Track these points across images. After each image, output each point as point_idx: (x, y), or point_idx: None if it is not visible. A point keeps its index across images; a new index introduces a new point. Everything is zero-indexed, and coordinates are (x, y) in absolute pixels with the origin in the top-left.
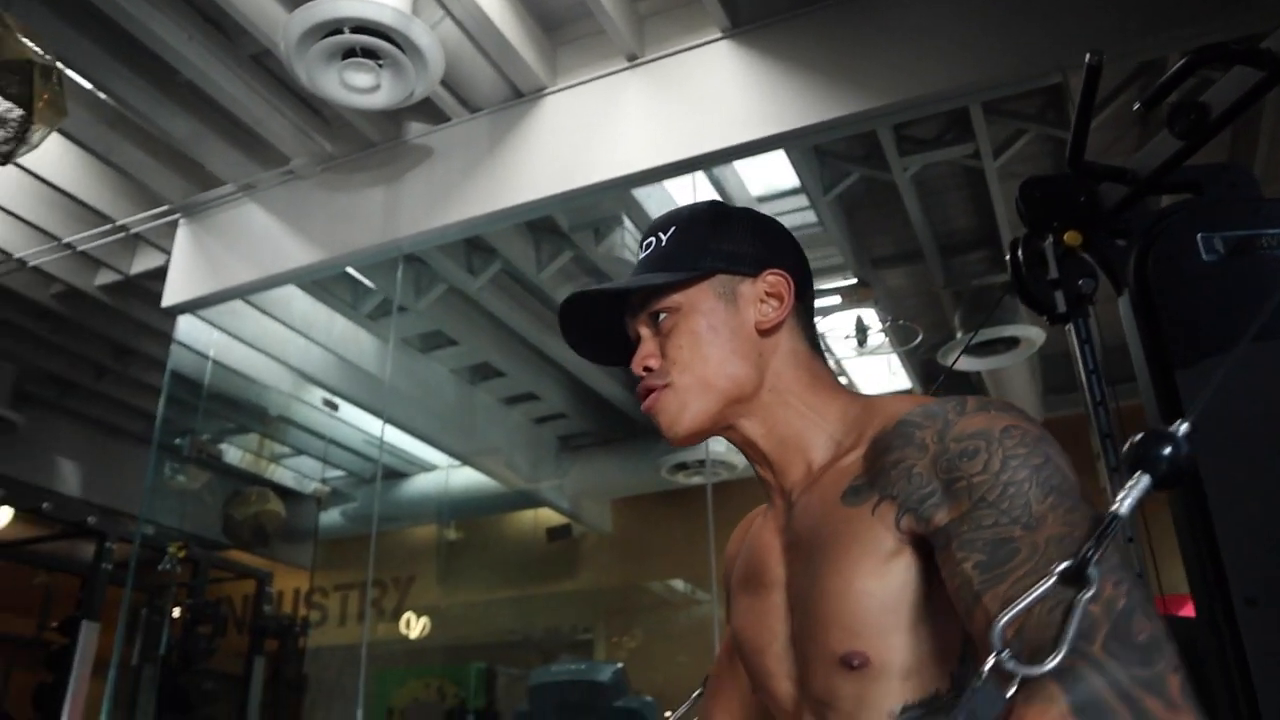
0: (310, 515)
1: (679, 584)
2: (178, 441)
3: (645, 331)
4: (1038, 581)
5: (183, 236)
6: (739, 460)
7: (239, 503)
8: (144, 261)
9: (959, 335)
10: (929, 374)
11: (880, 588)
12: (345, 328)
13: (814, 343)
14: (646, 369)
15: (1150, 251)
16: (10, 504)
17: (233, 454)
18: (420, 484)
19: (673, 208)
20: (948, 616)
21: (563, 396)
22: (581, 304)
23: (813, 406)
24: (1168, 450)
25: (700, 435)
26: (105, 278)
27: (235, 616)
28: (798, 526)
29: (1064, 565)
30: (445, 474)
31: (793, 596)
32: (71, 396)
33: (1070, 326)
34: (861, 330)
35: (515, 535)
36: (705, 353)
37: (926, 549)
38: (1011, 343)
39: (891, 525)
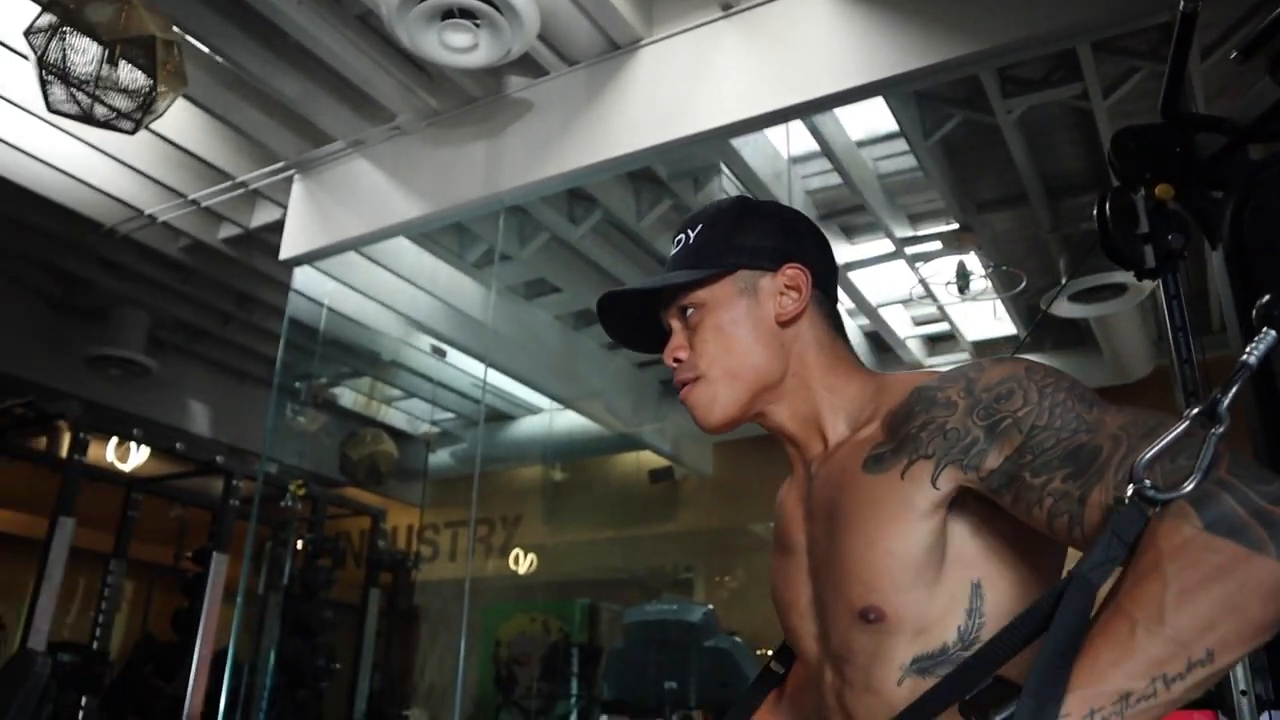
0: (421, 455)
1: (764, 528)
2: (297, 385)
3: (676, 324)
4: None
5: (297, 192)
6: None
7: (354, 443)
8: (263, 215)
9: (1064, 281)
10: (1034, 320)
11: (903, 547)
12: (452, 276)
13: (836, 327)
14: (677, 360)
15: (1248, 203)
16: (147, 443)
17: (348, 397)
18: (526, 426)
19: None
20: (961, 570)
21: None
22: (617, 299)
23: (831, 388)
24: None
25: (732, 424)
26: (227, 231)
27: (353, 551)
28: (817, 496)
29: (1196, 410)
30: (549, 417)
31: (814, 560)
32: (200, 343)
33: (1159, 282)
34: (963, 276)
35: (618, 477)
36: (730, 346)
37: (963, 501)
38: (1119, 289)
39: (926, 484)
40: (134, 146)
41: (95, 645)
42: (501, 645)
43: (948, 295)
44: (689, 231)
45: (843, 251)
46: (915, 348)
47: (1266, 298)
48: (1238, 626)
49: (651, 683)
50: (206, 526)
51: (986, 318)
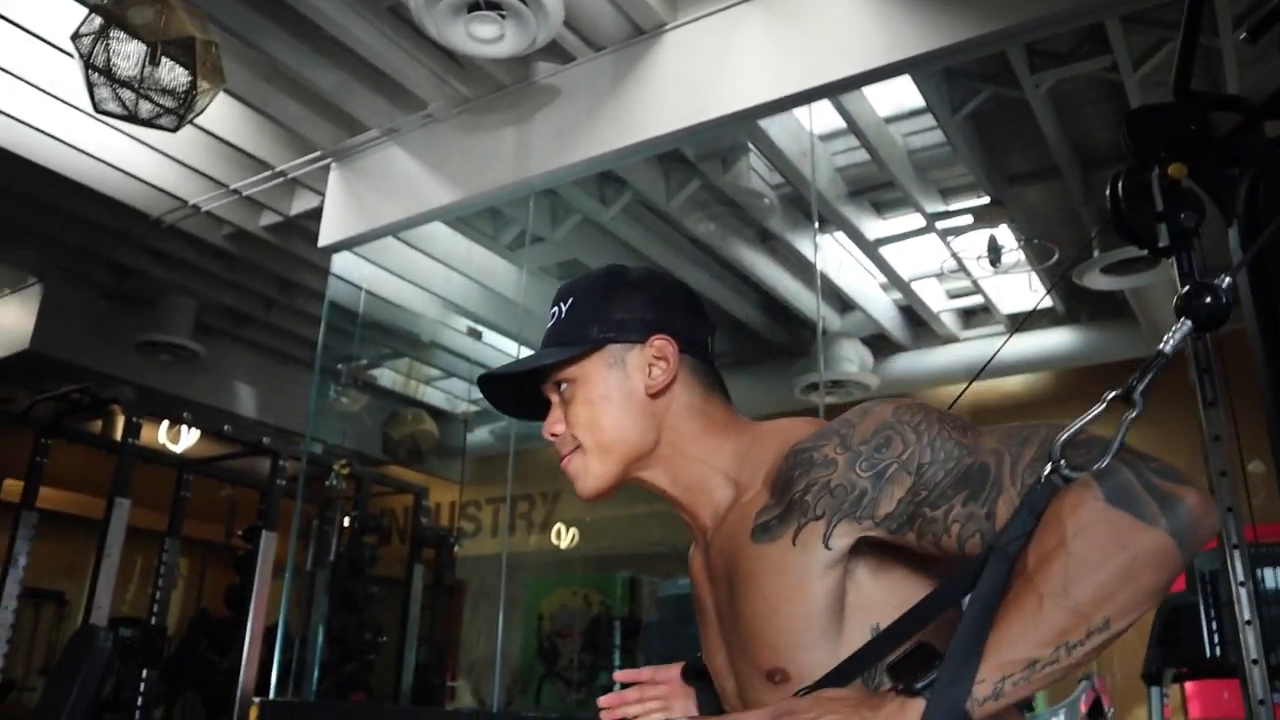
0: (461, 434)
1: None
2: (339, 367)
3: (554, 398)
4: (1029, 466)
5: (334, 180)
6: (872, 380)
7: (396, 423)
8: (302, 203)
9: (1096, 254)
10: (1069, 292)
11: (803, 610)
12: (486, 258)
13: (710, 385)
14: (553, 434)
15: (1263, 180)
16: (196, 426)
17: (388, 378)
18: None
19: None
20: (862, 616)
21: None
22: (496, 380)
23: (707, 451)
24: (1209, 299)
25: (607, 493)
26: (268, 219)
27: (397, 527)
28: (715, 563)
29: (1114, 393)
30: None
31: (722, 624)
32: (245, 327)
33: (1172, 260)
34: (994, 250)
35: None
36: (600, 421)
37: (860, 549)
38: (1153, 260)
39: (819, 547)
40: (178, 140)
41: (153, 620)
42: (544, 618)
43: (980, 269)
44: (561, 306)
45: (873, 227)
46: (950, 321)
47: (1185, 289)
48: (1131, 594)
49: (687, 654)
50: (256, 505)
51: (1021, 290)
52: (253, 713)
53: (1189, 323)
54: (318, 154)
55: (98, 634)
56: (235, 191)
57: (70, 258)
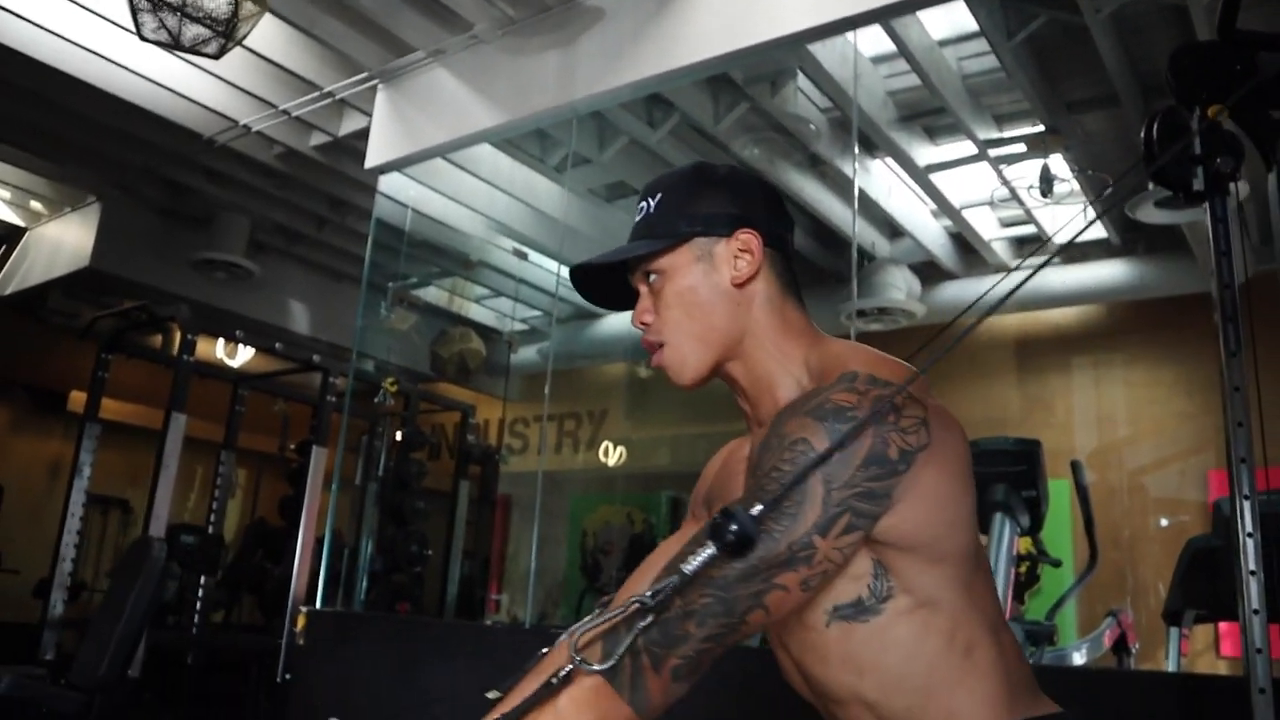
0: (504, 352)
1: None
2: (390, 285)
3: (642, 289)
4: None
5: (381, 101)
6: (918, 308)
7: (444, 341)
8: (350, 124)
9: (1151, 186)
10: (1125, 224)
11: None
12: (532, 179)
13: (790, 286)
14: (644, 324)
15: None
16: (249, 343)
17: (436, 297)
18: (612, 323)
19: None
20: (860, 552)
21: None
22: (587, 270)
23: (783, 350)
24: (734, 527)
25: (702, 381)
26: (318, 139)
27: (446, 444)
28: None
29: (641, 597)
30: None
31: None
32: (298, 245)
33: (1206, 205)
34: (1046, 180)
35: None
36: (690, 311)
37: None
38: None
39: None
40: (228, 62)
41: (210, 529)
42: (588, 534)
43: (1034, 198)
44: (649, 200)
45: (924, 153)
46: (1001, 250)
47: (718, 514)
48: None
49: None
50: (307, 421)
51: (1076, 221)
52: (301, 620)
53: (712, 547)
54: (364, 75)
55: (152, 544)
56: (284, 112)
57: (127, 176)
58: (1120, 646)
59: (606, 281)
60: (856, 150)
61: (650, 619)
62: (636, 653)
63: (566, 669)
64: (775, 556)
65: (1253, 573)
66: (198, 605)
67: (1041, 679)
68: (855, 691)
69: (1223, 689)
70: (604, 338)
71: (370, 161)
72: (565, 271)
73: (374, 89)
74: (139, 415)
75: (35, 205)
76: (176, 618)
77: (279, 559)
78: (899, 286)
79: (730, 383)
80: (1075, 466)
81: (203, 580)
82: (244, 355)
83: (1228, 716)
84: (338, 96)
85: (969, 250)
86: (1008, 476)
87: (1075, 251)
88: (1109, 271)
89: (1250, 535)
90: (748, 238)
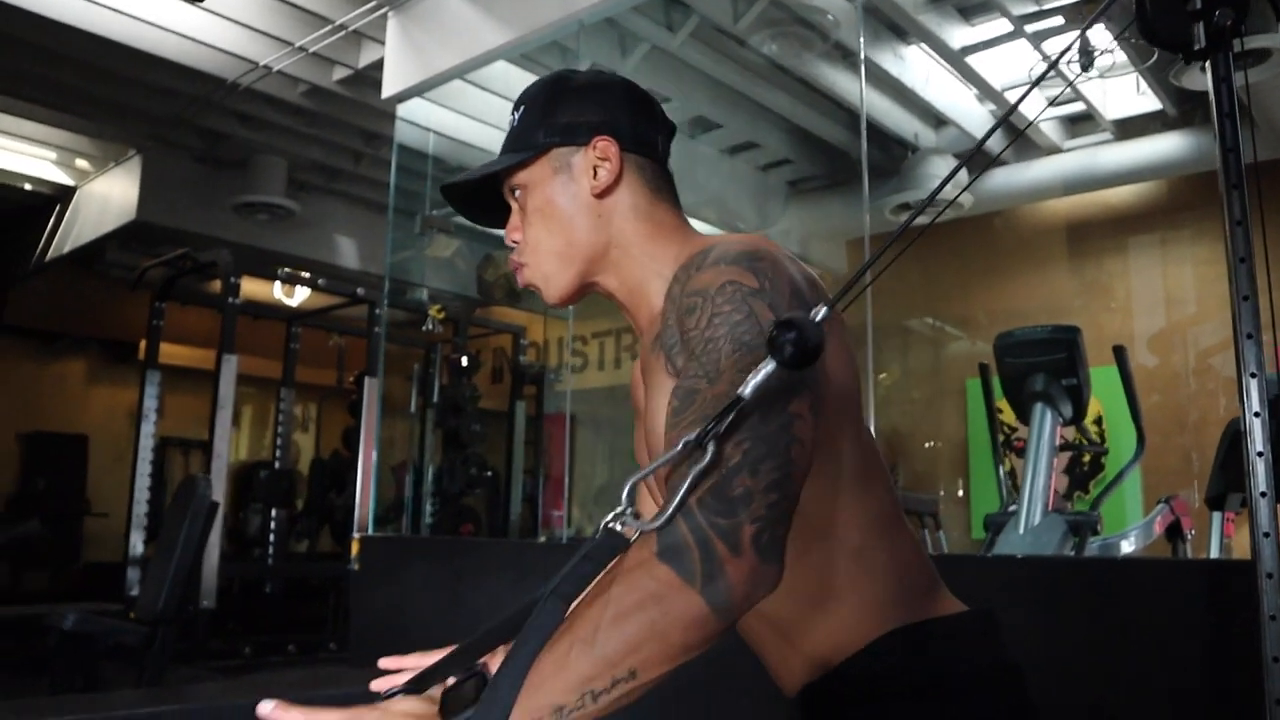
0: None
1: (919, 322)
2: (434, 213)
3: (514, 205)
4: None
5: (393, 29)
6: (965, 198)
7: (489, 266)
8: (369, 55)
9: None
10: (1181, 94)
11: None
12: None
13: (661, 191)
14: (513, 242)
15: None
16: (292, 281)
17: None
18: None
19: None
20: None
21: (785, 142)
22: (459, 189)
23: (651, 255)
24: (792, 335)
25: (571, 297)
26: (340, 74)
27: (501, 365)
28: (642, 366)
29: (690, 436)
30: None
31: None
32: (337, 181)
33: (1207, 64)
34: (1085, 53)
35: None
36: (551, 226)
37: None
38: (1262, 55)
39: (666, 370)
40: (240, 4)
41: (278, 464)
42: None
43: (1074, 74)
44: (515, 114)
45: (959, 35)
46: (1051, 131)
47: (774, 329)
48: (659, 650)
49: None
50: (362, 353)
51: (1128, 94)
52: (355, 546)
53: (773, 362)
54: (375, 3)
55: (198, 483)
56: (302, 49)
57: (162, 128)
58: (1174, 533)
59: (489, 200)
60: (861, 28)
61: (704, 466)
62: (700, 530)
63: (607, 520)
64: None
65: (1260, 454)
66: (270, 537)
67: (1059, 570)
68: None
69: (1231, 573)
70: None
71: (387, 90)
72: None
73: (385, 17)
74: (203, 359)
75: (81, 164)
76: (261, 550)
77: (342, 489)
78: (943, 176)
79: (607, 296)
80: (1117, 352)
81: (274, 513)
82: (302, 294)
83: (1241, 602)
84: (350, 28)
85: (1017, 134)
86: (1047, 365)
87: (1131, 127)
88: (1167, 145)
89: (1257, 415)
90: (605, 145)
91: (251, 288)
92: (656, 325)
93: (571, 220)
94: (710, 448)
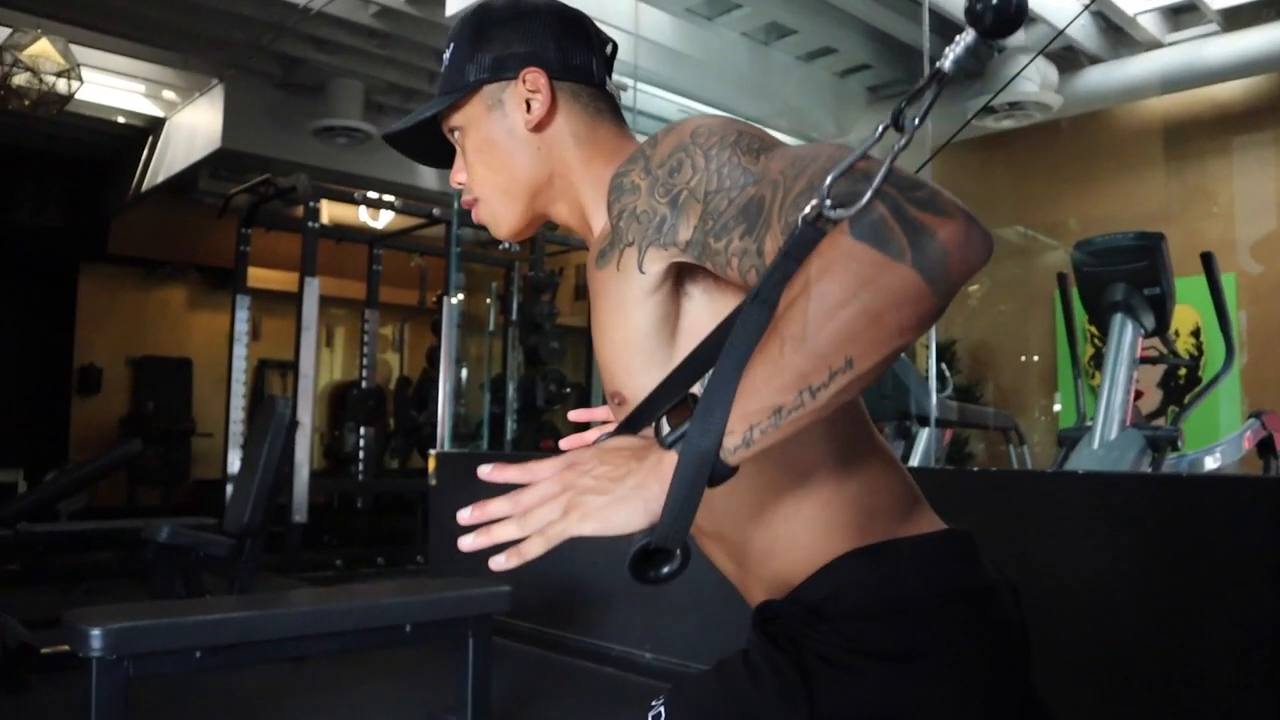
0: None
1: (1011, 231)
2: None
3: (458, 147)
4: (794, 201)
5: None
6: (1054, 100)
7: None
8: None
9: None
10: None
11: (627, 336)
12: (640, 8)
13: (601, 114)
14: (459, 182)
15: None
16: (366, 204)
17: None
18: None
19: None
20: (692, 341)
21: (864, 46)
22: (400, 137)
23: (594, 176)
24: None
25: (522, 231)
26: None
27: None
28: (590, 289)
29: (884, 125)
30: None
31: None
32: (413, 102)
33: None
34: None
35: None
36: (491, 165)
37: (692, 273)
38: None
39: (635, 272)
40: None
41: (364, 383)
42: None
43: None
44: (446, 53)
45: None
46: (1150, 24)
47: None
48: (875, 334)
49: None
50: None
51: None
52: (431, 463)
53: (973, 32)
54: None
55: (276, 403)
56: None
57: (241, 56)
58: (1266, 449)
59: (437, 144)
60: None
61: (905, 142)
62: (897, 204)
63: (809, 207)
64: (827, 151)
65: None
66: (360, 454)
67: (1127, 486)
68: (697, 524)
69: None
70: None
71: (451, 8)
72: (682, 100)
73: None
74: (291, 282)
75: (168, 95)
76: (354, 466)
77: (423, 406)
78: (1031, 78)
79: (562, 224)
80: (1205, 259)
81: (362, 431)
82: (386, 217)
83: None
84: None
85: (1112, 28)
86: (1127, 274)
87: (1239, 17)
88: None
89: None
90: (534, 77)
91: (338, 211)
92: (604, 241)
93: (511, 156)
94: (912, 126)
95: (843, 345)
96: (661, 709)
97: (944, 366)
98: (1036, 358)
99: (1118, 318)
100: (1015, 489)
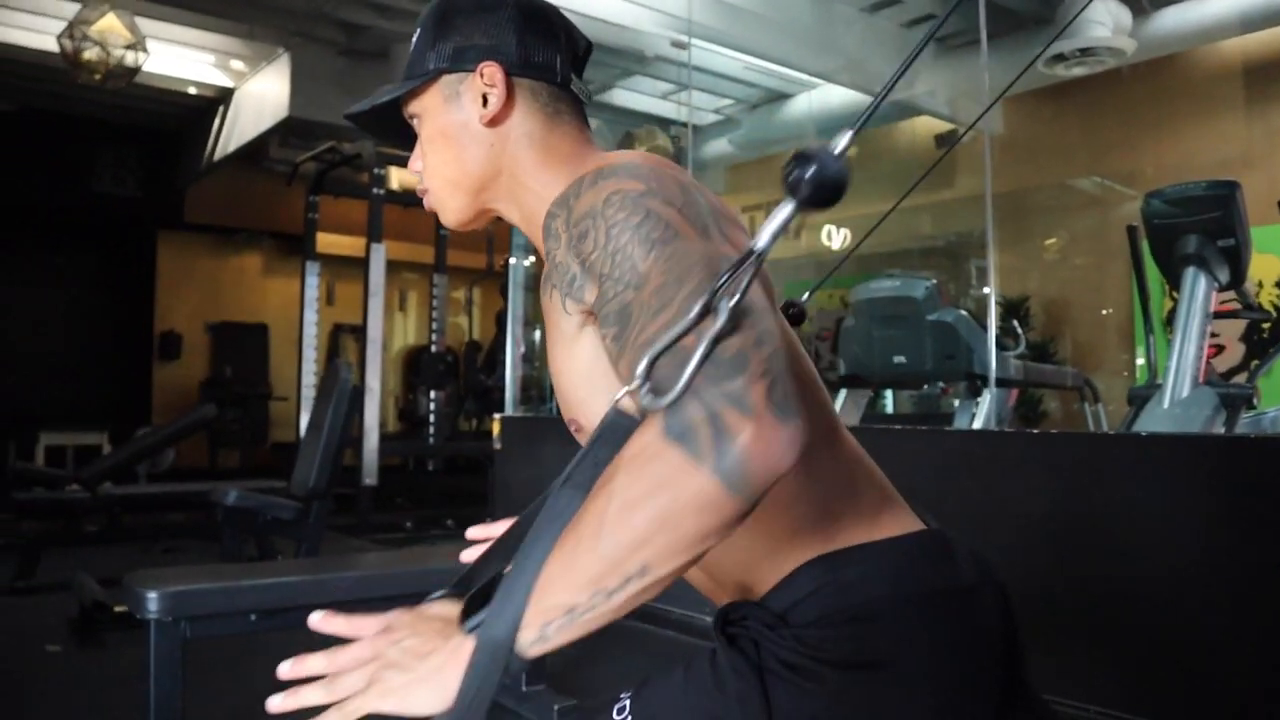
0: (703, 145)
1: (1088, 182)
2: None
3: (418, 134)
4: (646, 341)
5: None
6: (1127, 44)
7: (629, 142)
8: None
9: None
10: None
11: (573, 366)
12: None
13: (559, 114)
14: (415, 171)
15: None
16: None
17: (621, 97)
18: (801, 105)
19: None
20: None
21: None
22: (364, 114)
23: (544, 184)
24: (811, 169)
25: (469, 224)
26: None
27: None
28: (542, 307)
29: (699, 305)
30: (808, 97)
31: None
32: None
33: None
34: None
35: (900, 146)
36: (443, 156)
37: None
38: None
39: (563, 311)
40: None
41: (433, 347)
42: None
43: None
44: (413, 38)
45: None
46: None
47: (791, 166)
48: (671, 541)
49: (880, 357)
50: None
51: None
52: (495, 426)
53: (791, 204)
54: None
55: (340, 368)
56: None
57: (305, 24)
58: None
59: (404, 125)
60: None
61: (718, 330)
62: (708, 404)
63: (619, 394)
64: (708, 250)
65: None
66: (431, 418)
67: (1198, 447)
68: None
69: None
70: (797, 119)
71: None
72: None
73: None
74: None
75: (236, 65)
76: (424, 429)
77: (491, 370)
78: (1103, 22)
79: (510, 222)
80: None
81: (432, 395)
82: None
83: None
84: None
85: None
86: (1200, 225)
87: None
88: None
89: None
90: (491, 71)
91: (408, 177)
92: (545, 269)
93: (464, 149)
94: (724, 307)
95: (637, 550)
96: (627, 702)
97: (1016, 323)
98: (1113, 312)
99: (1190, 271)
100: (1075, 451)
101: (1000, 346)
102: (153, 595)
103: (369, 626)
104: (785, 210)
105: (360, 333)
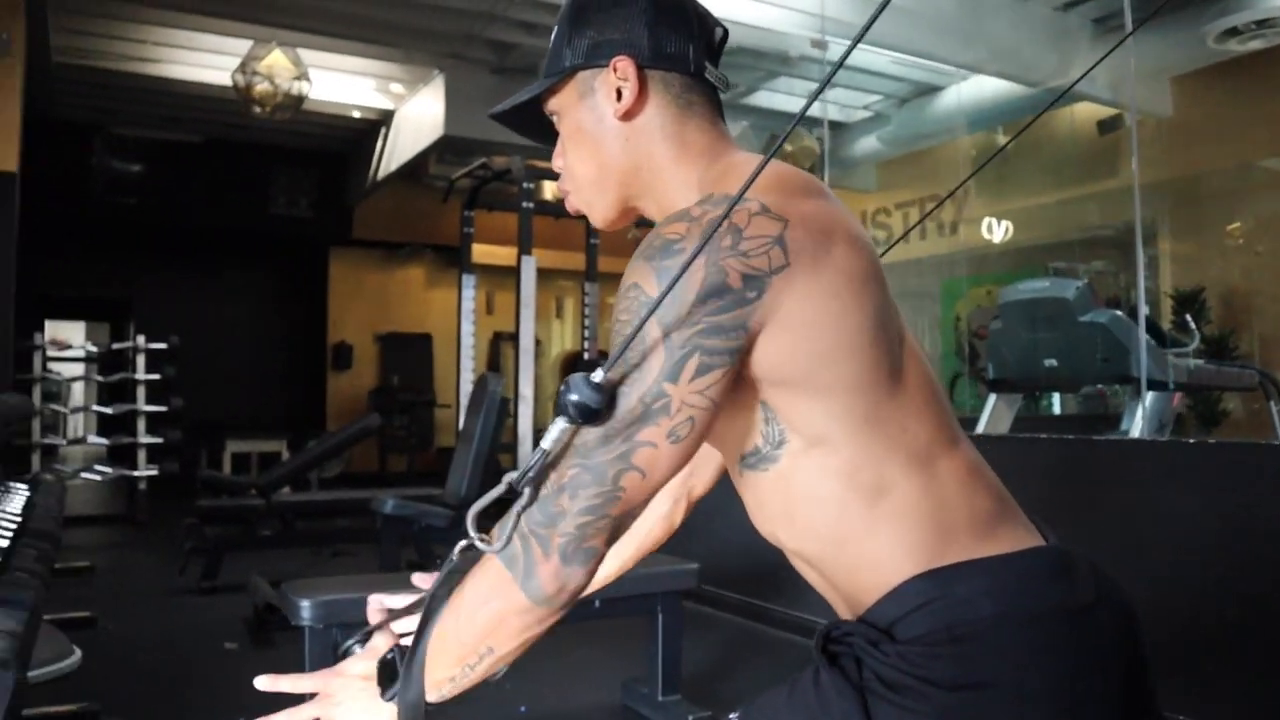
0: (852, 143)
1: (1276, 162)
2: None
3: (558, 131)
4: (556, 488)
5: None
6: None
7: (773, 144)
8: None
9: None
10: None
11: None
12: None
13: (692, 106)
14: (558, 169)
15: None
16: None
17: (765, 99)
18: (951, 97)
19: None
20: (747, 393)
21: None
22: (507, 113)
23: (680, 176)
24: (573, 397)
25: (618, 222)
26: None
27: None
28: None
29: (511, 477)
30: (959, 87)
31: None
32: None
33: None
34: None
35: (1060, 134)
36: (582, 154)
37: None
38: None
39: None
40: None
41: (585, 354)
42: (960, 318)
43: None
44: (552, 35)
45: None
46: None
47: (561, 388)
48: (505, 631)
49: (1031, 361)
50: None
51: None
52: None
53: (563, 421)
54: None
55: (489, 379)
56: None
57: (457, 46)
58: None
59: (548, 121)
60: None
61: (528, 498)
62: (525, 537)
63: (461, 545)
64: (630, 413)
65: None
66: None
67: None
68: (781, 541)
69: None
70: (949, 111)
71: None
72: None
73: None
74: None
75: (395, 88)
76: None
77: None
78: None
79: (651, 220)
80: None
81: None
82: None
83: None
84: None
85: None
86: None
87: None
88: None
89: None
90: (624, 65)
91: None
92: None
93: (600, 145)
94: (526, 491)
95: (483, 638)
96: None
97: (1189, 318)
98: None
99: None
100: (1231, 458)
101: (1173, 343)
102: (306, 604)
103: (308, 685)
104: (559, 425)
105: (543, 340)
